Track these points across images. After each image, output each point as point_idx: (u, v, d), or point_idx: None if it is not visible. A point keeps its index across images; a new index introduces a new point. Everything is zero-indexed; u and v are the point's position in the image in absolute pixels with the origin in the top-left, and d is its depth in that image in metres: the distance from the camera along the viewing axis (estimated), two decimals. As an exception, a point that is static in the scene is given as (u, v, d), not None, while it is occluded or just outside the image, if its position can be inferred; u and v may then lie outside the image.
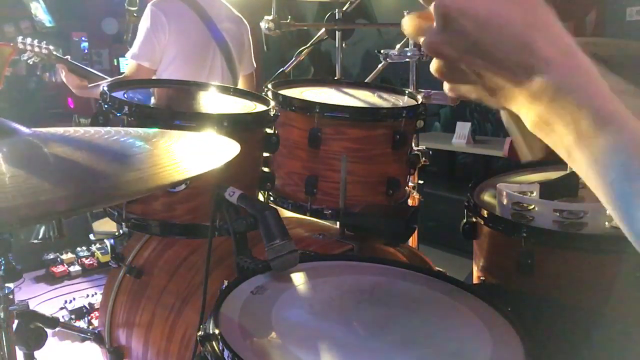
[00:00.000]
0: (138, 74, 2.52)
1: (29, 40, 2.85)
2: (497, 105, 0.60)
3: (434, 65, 0.60)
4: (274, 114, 1.37)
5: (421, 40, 0.60)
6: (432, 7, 0.57)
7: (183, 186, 1.25)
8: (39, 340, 1.35)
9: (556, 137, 0.55)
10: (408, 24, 0.62)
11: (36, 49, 2.80)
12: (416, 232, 2.01)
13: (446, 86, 0.62)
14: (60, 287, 3.25)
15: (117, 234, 3.28)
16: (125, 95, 1.36)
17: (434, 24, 0.57)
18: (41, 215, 0.54)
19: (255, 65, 2.87)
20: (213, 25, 2.66)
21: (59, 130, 0.80)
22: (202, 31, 2.62)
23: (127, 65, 2.60)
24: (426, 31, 0.59)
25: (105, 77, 2.91)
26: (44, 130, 0.78)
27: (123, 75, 2.61)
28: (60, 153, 0.68)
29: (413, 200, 1.73)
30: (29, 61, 2.85)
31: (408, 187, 1.63)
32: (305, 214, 1.50)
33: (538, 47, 0.55)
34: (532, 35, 0.55)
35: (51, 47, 2.83)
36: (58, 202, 0.54)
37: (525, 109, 0.56)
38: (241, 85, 2.81)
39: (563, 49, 0.56)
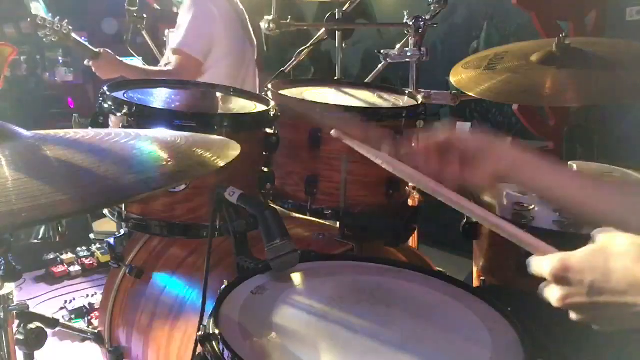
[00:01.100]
0: (188, 66, 2.45)
1: (49, 17, 2.70)
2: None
3: (574, 318, 0.73)
4: (274, 114, 1.37)
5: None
6: (540, 270, 0.72)
7: (183, 186, 1.25)
8: (39, 340, 1.35)
9: None
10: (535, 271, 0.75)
11: (56, 27, 2.67)
12: (416, 232, 2.00)
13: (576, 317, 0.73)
14: (60, 287, 3.24)
15: (117, 234, 3.27)
16: (125, 95, 1.36)
17: (552, 285, 0.72)
18: (43, 218, 0.54)
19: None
20: (245, 19, 2.67)
21: (60, 132, 0.80)
22: (239, 25, 2.63)
23: (175, 57, 2.48)
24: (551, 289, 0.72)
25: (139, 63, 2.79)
26: (44, 133, 0.78)
27: (171, 69, 2.50)
28: (61, 156, 0.68)
29: (413, 200, 1.73)
30: (45, 39, 2.70)
31: (408, 187, 1.63)
32: (305, 214, 1.49)
33: None
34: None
35: (70, 27, 2.70)
36: (59, 205, 0.54)
37: None
38: (258, 80, 2.81)
39: None
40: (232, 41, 2.59)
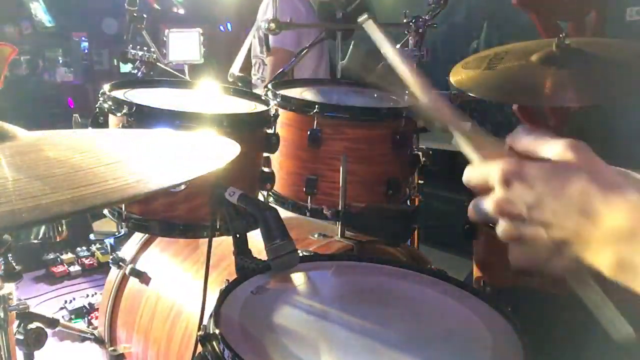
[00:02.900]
0: (283, 60, 2.51)
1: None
2: (567, 265, 0.64)
3: (501, 229, 0.64)
4: (274, 114, 1.37)
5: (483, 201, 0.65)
6: (489, 171, 0.63)
7: (183, 186, 1.25)
8: (39, 340, 1.35)
9: None
10: (473, 177, 0.67)
11: (145, 57, 2.75)
12: (416, 232, 2.01)
13: (514, 254, 0.65)
14: (60, 287, 3.24)
15: (117, 234, 3.27)
16: (125, 95, 1.36)
17: (496, 186, 0.62)
18: (43, 219, 0.54)
19: None
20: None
21: (60, 132, 0.80)
22: (316, 21, 2.73)
23: (269, 58, 2.59)
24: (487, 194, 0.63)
25: None
26: (45, 133, 0.78)
27: (275, 68, 2.58)
28: (61, 156, 0.68)
29: (413, 200, 1.73)
30: (139, 74, 2.76)
31: (408, 187, 1.63)
32: (305, 214, 1.49)
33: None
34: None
35: (155, 56, 2.75)
36: (59, 205, 0.54)
37: (602, 254, 0.58)
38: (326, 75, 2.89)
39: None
40: (313, 32, 2.66)
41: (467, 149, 0.69)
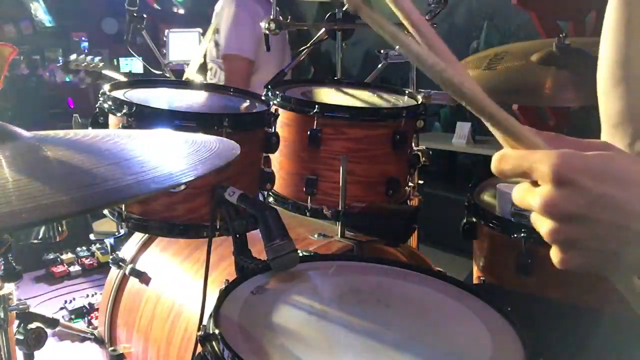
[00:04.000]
0: (239, 68, 2.46)
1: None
2: (616, 271, 0.57)
3: (548, 230, 0.55)
4: (274, 114, 1.37)
5: (521, 194, 0.56)
6: (534, 161, 0.54)
7: (183, 186, 1.25)
8: (39, 340, 1.35)
9: None
10: (508, 165, 0.57)
11: (90, 67, 2.57)
12: (416, 232, 2.00)
13: (558, 256, 0.57)
14: (60, 287, 3.24)
15: (117, 234, 3.27)
16: (125, 95, 1.36)
17: (546, 185, 0.53)
18: (43, 219, 0.54)
19: None
20: None
21: (60, 133, 0.80)
22: None
23: (227, 62, 2.50)
24: (533, 191, 0.55)
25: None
26: (44, 133, 0.78)
27: (230, 75, 2.50)
28: (62, 156, 0.68)
29: (413, 200, 1.73)
30: (82, 85, 2.60)
31: (408, 187, 1.63)
32: (305, 214, 1.50)
33: None
34: None
35: (102, 64, 2.59)
36: (59, 205, 0.54)
37: None
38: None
39: None
40: (276, 40, 2.62)
41: (499, 131, 0.58)
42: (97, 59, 2.64)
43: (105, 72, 2.64)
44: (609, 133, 0.90)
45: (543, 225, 0.56)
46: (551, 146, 0.56)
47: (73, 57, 2.63)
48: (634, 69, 0.85)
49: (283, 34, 2.70)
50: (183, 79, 2.85)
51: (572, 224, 0.54)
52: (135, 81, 1.55)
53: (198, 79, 2.86)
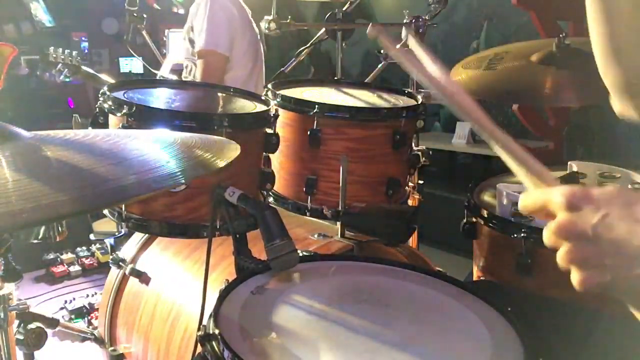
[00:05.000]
0: (215, 63, 2.47)
1: (59, 51, 2.63)
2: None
3: (562, 252, 0.62)
4: (274, 114, 1.37)
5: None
6: (549, 196, 0.63)
7: (183, 186, 1.25)
8: (39, 340, 1.35)
9: None
10: (529, 203, 0.67)
11: (68, 60, 2.61)
12: (416, 232, 2.01)
13: (577, 277, 0.63)
14: (60, 287, 3.24)
15: (117, 234, 3.27)
16: (125, 95, 1.36)
17: (560, 212, 0.62)
18: (43, 219, 0.54)
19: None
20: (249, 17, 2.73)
21: (60, 133, 0.80)
22: (252, 25, 2.69)
23: (200, 61, 2.52)
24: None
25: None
26: (44, 133, 0.78)
27: (206, 71, 2.50)
28: (62, 156, 0.68)
29: (413, 200, 1.73)
30: (58, 78, 2.61)
31: (408, 187, 1.63)
32: (305, 214, 1.50)
33: None
34: None
35: (79, 59, 2.63)
36: (60, 205, 0.54)
37: None
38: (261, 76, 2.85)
39: None
40: (249, 41, 2.63)
41: (520, 174, 0.70)
42: (74, 52, 2.65)
43: (84, 67, 2.65)
44: (614, 97, 1.01)
45: (561, 250, 0.63)
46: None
47: (51, 50, 2.65)
48: (622, 39, 0.94)
49: (254, 33, 2.71)
50: (157, 77, 2.85)
51: (584, 243, 0.61)
52: (136, 81, 1.55)
53: (172, 77, 2.87)
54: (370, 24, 0.82)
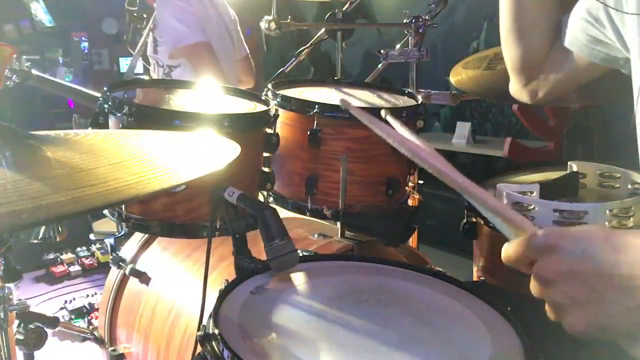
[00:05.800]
0: (199, 54, 2.46)
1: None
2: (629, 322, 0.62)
3: (547, 296, 0.65)
4: (274, 114, 1.37)
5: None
6: (528, 244, 0.65)
7: (183, 186, 1.25)
8: (39, 340, 1.35)
9: None
10: (511, 253, 0.69)
11: (15, 66, 2.41)
12: (416, 232, 2.01)
13: (566, 321, 0.65)
14: (60, 287, 3.25)
15: (117, 234, 3.28)
16: (125, 95, 1.36)
17: (539, 258, 0.64)
18: (43, 219, 0.54)
19: (247, 49, 2.92)
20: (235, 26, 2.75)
21: (60, 133, 0.80)
22: (225, 27, 2.69)
23: (191, 53, 2.52)
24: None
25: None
26: (44, 133, 0.79)
27: (200, 64, 2.50)
28: (61, 157, 0.68)
29: (413, 200, 1.73)
30: (9, 84, 2.41)
31: (408, 187, 1.63)
32: (305, 214, 1.50)
33: None
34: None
35: (29, 64, 2.50)
36: (60, 206, 0.54)
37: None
38: (240, 68, 2.82)
39: None
40: (218, 28, 2.64)
41: (502, 226, 0.71)
42: (23, 57, 2.59)
43: (36, 72, 2.59)
44: (510, 76, 1.14)
45: (544, 294, 0.65)
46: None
47: None
48: (525, 21, 1.05)
49: (223, 22, 2.71)
50: (124, 77, 2.82)
51: (568, 281, 0.62)
52: (135, 81, 1.55)
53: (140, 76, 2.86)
54: (340, 99, 0.88)
